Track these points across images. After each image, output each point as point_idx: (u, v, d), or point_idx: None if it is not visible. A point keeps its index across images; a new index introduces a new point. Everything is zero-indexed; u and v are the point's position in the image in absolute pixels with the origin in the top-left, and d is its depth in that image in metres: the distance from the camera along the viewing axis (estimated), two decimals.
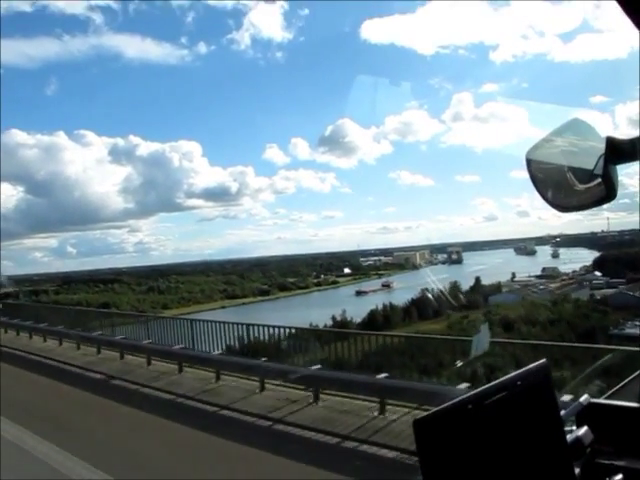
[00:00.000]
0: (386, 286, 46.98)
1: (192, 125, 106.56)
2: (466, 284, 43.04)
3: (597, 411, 2.24)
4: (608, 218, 48.95)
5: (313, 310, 39.82)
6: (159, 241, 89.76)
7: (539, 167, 2.07)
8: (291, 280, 50.80)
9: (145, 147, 76.96)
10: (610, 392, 2.52)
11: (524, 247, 52.15)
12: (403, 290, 43.64)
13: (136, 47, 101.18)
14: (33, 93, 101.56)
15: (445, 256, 56.00)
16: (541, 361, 1.88)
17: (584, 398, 2.24)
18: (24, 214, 73.66)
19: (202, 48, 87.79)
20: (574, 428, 2.02)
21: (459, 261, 53.60)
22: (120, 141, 79.91)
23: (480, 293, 39.50)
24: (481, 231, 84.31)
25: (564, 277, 42.42)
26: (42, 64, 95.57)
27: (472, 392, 1.64)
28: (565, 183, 1.99)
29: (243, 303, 46.88)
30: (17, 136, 75.05)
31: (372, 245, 71.82)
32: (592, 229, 53.01)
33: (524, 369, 1.83)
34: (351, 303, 43.12)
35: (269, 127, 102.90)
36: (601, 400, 2.37)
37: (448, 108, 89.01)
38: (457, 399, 1.60)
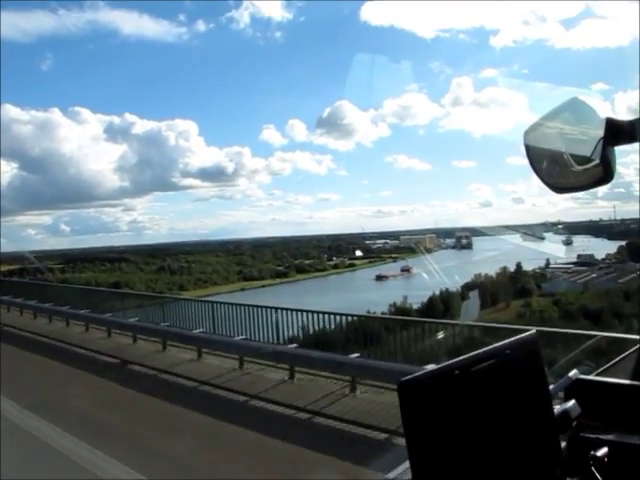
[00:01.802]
0: (406, 270, 46.67)
1: (189, 104, 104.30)
2: (484, 269, 43.04)
3: (585, 386, 2.26)
4: (614, 206, 49.81)
5: (340, 294, 39.31)
6: (154, 220, 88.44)
7: (536, 147, 2.10)
8: (307, 262, 50.34)
9: (141, 125, 75.64)
10: (600, 370, 2.51)
11: (532, 233, 52.62)
12: (424, 275, 42.74)
13: (133, 24, 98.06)
14: (28, 68, 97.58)
15: (452, 241, 56.40)
16: (531, 332, 1.89)
17: (573, 373, 2.26)
18: (18, 191, 71.61)
19: (200, 26, 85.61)
20: (563, 402, 2.03)
21: (469, 246, 53.64)
22: (116, 119, 77.90)
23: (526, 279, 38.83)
24: (476, 217, 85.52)
25: (601, 265, 42.08)
26: (37, 39, 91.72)
27: (460, 358, 1.63)
28: (562, 164, 2.02)
29: (263, 285, 46.35)
30: (11, 111, 72.46)
31: (367, 228, 72.45)
32: (587, 217, 54.01)
33: (513, 338, 1.83)
34: (374, 288, 43.02)
35: (266, 108, 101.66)
36: (590, 376, 2.39)
37: (448, 92, 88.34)
38: (444, 364, 1.61)
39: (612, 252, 43.97)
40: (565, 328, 14.13)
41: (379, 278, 47.46)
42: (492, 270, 42.06)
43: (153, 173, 79.12)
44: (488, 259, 45.99)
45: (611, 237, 47.63)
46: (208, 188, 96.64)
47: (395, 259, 50.81)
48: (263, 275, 49.16)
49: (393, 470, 1.72)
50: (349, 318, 16.24)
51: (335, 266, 50.94)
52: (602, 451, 1.90)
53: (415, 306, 33.32)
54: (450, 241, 57.21)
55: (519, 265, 41.96)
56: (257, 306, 17.06)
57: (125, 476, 8.74)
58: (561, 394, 2.16)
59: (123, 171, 78.60)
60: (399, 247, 54.84)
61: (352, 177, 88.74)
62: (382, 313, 26.21)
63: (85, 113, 74.89)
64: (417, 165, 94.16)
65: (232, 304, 17.98)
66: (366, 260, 52.05)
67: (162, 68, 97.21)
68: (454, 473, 1.52)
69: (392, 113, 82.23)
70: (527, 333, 1.87)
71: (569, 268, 42.06)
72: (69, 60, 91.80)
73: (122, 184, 78.93)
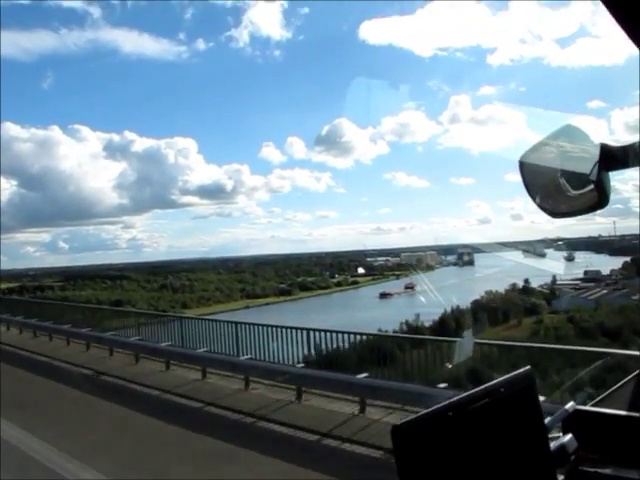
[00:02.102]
0: (410, 288, 46.70)
1: (188, 122, 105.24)
2: (488, 287, 42.61)
3: (583, 418, 2.20)
4: (614, 222, 50.05)
5: (345, 312, 38.81)
6: (153, 238, 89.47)
7: (532, 171, 2.09)
8: (310, 280, 50.07)
9: (140, 143, 76.56)
10: (597, 399, 2.44)
11: (532, 250, 52.25)
12: (428, 292, 42.69)
13: (133, 42, 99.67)
14: (29, 86, 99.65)
15: (453, 257, 56.46)
16: (525, 368, 1.87)
17: (570, 405, 2.21)
18: (17, 208, 72.01)
19: (200, 45, 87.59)
20: (560, 435, 2.01)
21: (471, 262, 53.36)
22: (115, 137, 79.05)
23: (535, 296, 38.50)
24: (475, 234, 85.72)
25: (608, 281, 41.52)
26: (38, 57, 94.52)
27: (454, 398, 1.61)
28: (557, 188, 2.02)
29: (267, 303, 45.90)
30: (11, 129, 73.67)
31: (367, 245, 72.51)
32: (587, 233, 54.15)
33: (508, 375, 1.80)
34: (379, 306, 42.64)
35: (266, 125, 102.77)
36: (587, 407, 2.32)
37: (445, 110, 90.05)
38: (438, 405, 1.57)
39: (617, 268, 43.57)
40: (583, 346, 14.24)
41: (383, 296, 46.99)
42: (498, 287, 41.60)
43: (152, 190, 79.52)
44: (491, 276, 45.10)
45: (612, 253, 47.72)
46: (207, 205, 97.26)
47: (398, 276, 50.76)
48: (266, 293, 48.93)
49: None
50: (362, 337, 15.83)
51: (338, 284, 50.81)
52: None
53: (427, 324, 32.94)
54: (451, 258, 57.21)
55: (527, 282, 41.16)
56: (264, 325, 16.63)
57: None
58: (559, 426, 2.12)
59: (122, 189, 79.23)
60: (401, 264, 54.78)
61: (351, 194, 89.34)
62: (394, 331, 25.95)
63: (85, 131, 75.72)
64: (416, 182, 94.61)
65: (238, 323, 17.57)
66: (369, 277, 51.92)
67: (162, 86, 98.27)
68: None
69: (391, 131, 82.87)
70: (522, 369, 1.85)
71: (577, 284, 41.42)
72: (69, 78, 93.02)
73: (121, 201, 79.33)
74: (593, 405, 2.36)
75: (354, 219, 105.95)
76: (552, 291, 39.38)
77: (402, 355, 14.36)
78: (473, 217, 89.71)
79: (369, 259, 57.73)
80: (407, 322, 33.34)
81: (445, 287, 43.41)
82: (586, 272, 43.22)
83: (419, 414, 1.52)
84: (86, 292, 49.61)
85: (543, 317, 32.65)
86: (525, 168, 2.08)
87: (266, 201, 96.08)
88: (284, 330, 15.91)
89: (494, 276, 44.68)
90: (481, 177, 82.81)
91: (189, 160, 76.50)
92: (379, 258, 57.58)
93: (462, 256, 55.21)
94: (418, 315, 34.67)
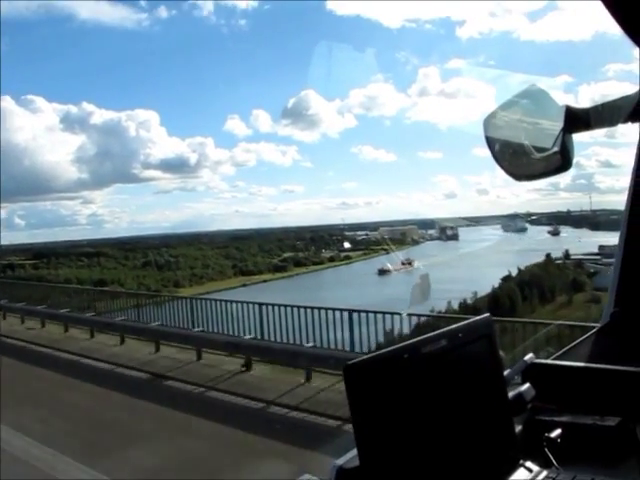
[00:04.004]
0: (407, 264, 46.40)
1: (150, 93, 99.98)
2: (492, 260, 43.18)
3: (541, 370, 2.22)
4: (590, 197, 50.79)
5: (355, 290, 37.58)
6: (114, 213, 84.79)
7: (497, 135, 2.09)
8: (302, 255, 49.68)
9: (99, 115, 71.76)
10: (556, 354, 2.48)
11: (513, 224, 53.12)
12: (426, 268, 41.77)
13: (90, 8, 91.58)
14: None
15: (434, 232, 56.92)
16: (484, 315, 1.86)
17: (529, 357, 2.23)
18: None
19: (162, 12, 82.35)
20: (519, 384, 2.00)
21: (455, 237, 54.15)
22: (73, 108, 73.89)
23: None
24: (440, 208, 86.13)
25: None
26: None
27: (409, 341, 1.60)
28: (522, 151, 2.02)
29: (264, 280, 44.84)
30: None
31: (333, 219, 72.30)
32: (550, 208, 54.71)
33: (467, 321, 1.79)
34: (380, 282, 41.77)
35: (231, 97, 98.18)
36: (546, 360, 2.34)
37: (414, 82, 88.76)
38: (393, 347, 1.56)
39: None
40: None
41: (382, 272, 44.99)
42: (508, 261, 40.84)
43: (113, 165, 75.58)
44: (482, 251, 46.44)
45: (594, 228, 47.66)
46: (170, 180, 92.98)
47: (387, 251, 50.80)
48: (261, 269, 48.03)
49: (343, 456, 1.63)
50: (419, 318, 14.52)
51: (331, 259, 50.35)
52: (555, 432, 1.91)
53: (470, 302, 32.44)
54: (433, 232, 57.67)
55: (567, 256, 41.06)
56: (292, 305, 16.19)
57: None
58: (518, 378, 2.15)
59: (81, 162, 74.17)
60: (390, 239, 54.77)
61: (317, 168, 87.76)
62: (438, 312, 23.44)
63: (40, 102, 71.00)
64: (383, 156, 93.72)
65: (262, 304, 16.88)
66: (359, 252, 51.65)
67: (121, 55, 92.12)
68: (403, 458, 1.49)
69: (358, 104, 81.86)
70: (481, 316, 1.85)
71: (598, 259, 39.80)
72: (21, 45, 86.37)
73: (80, 176, 74.75)
74: (552, 359, 2.40)
75: (320, 193, 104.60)
76: (580, 265, 39.13)
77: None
78: (439, 192, 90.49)
79: (348, 233, 57.68)
80: (464, 300, 33.03)
81: (443, 263, 43.31)
82: (602, 247, 41.52)
83: (373, 354, 1.52)
84: (63, 271, 47.14)
85: (600, 295, 28.97)
86: (490, 131, 2.09)
87: (231, 175, 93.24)
88: (318, 311, 15.47)
89: (487, 250, 45.44)
90: (449, 151, 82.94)
91: (151, 133, 73.40)
92: (358, 232, 57.45)
93: (445, 230, 55.68)
94: (476, 293, 34.78)
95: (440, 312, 22.85)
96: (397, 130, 78.85)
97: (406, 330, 13.84)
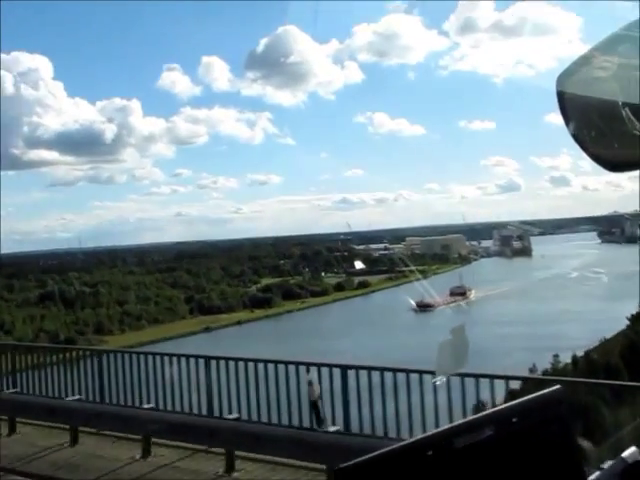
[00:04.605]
0: (459, 294, 31.93)
1: (39, 30, 79.16)
2: (575, 291, 31.04)
3: None
4: None
5: (369, 337, 27.13)
6: None
7: (577, 99, 1.54)
8: (293, 282, 35.92)
9: None
10: None
11: (617, 230, 37.15)
12: (488, 301, 31.77)
13: None
14: None
15: (489, 243, 40.85)
16: (553, 387, 1.45)
17: (630, 452, 1.61)
18: None
19: None
20: None
21: (526, 251, 39.68)
22: None
23: None
24: (494, 207, 64.60)
25: None
26: None
27: (436, 430, 1.27)
28: (618, 123, 1.46)
29: (238, 322, 31.14)
30: None
31: (327, 226, 53.27)
32: None
33: (523, 399, 1.38)
34: (416, 326, 30.01)
35: (168, 39, 78.44)
36: None
37: (453, 13, 71.76)
38: (411, 440, 1.22)
39: None
40: None
41: (422, 308, 31.96)
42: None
43: None
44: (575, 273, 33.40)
45: None
46: (72, 165, 70.59)
47: (424, 274, 35.31)
48: (231, 304, 33.28)
49: None
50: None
51: (339, 287, 36.24)
52: None
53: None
54: (488, 244, 41.77)
55: None
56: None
57: None
58: None
59: None
60: (423, 255, 38.75)
61: (302, 148, 67.11)
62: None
63: None
64: (404, 128, 73.79)
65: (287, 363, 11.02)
66: (382, 277, 36.92)
67: None
68: None
69: (366, 47, 66.72)
70: (548, 390, 1.42)
71: None
72: None
73: None
74: None
75: (307, 186, 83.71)
76: None
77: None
78: (493, 181, 68.28)
79: (358, 247, 41.06)
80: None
81: (514, 293, 31.13)
82: None
83: (380, 452, 1.16)
84: None
85: None
86: (566, 96, 1.57)
87: (169, 158, 71.28)
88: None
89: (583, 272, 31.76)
90: (507, 119, 64.10)
91: (40, 91, 55.84)
92: (371, 245, 41.10)
93: (509, 241, 39.69)
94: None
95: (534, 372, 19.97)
96: (426, 87, 62.69)
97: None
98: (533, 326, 26.17)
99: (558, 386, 1.44)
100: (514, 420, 1.30)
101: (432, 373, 9.48)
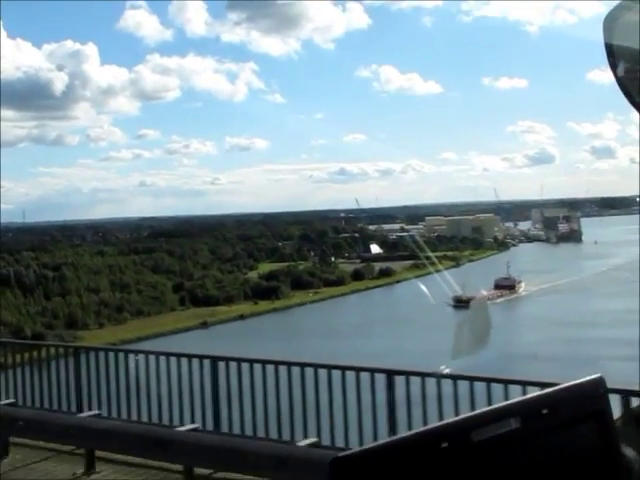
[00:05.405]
0: (507, 287, 27.90)
1: None
2: None
3: None
4: None
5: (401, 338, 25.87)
6: None
7: (626, 49, 1.38)
8: (302, 267, 30.76)
9: None
10: None
11: None
12: (543, 295, 27.30)
13: None
14: None
15: (528, 225, 36.08)
16: (593, 376, 1.36)
17: None
18: None
19: None
20: None
21: (575, 236, 34.33)
22: None
23: None
24: (522, 182, 57.80)
25: None
26: None
27: (450, 420, 1.21)
28: None
29: (241, 315, 26.56)
30: None
31: (326, 201, 47.78)
32: None
33: (555, 388, 1.31)
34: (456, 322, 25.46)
35: None
36: None
37: None
38: (421, 430, 1.17)
39: None
40: None
41: (461, 303, 26.32)
42: None
43: None
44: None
45: None
46: (12, 122, 62.62)
47: (457, 261, 30.65)
48: (229, 294, 28.16)
49: None
50: None
51: (357, 275, 30.76)
52: None
53: None
54: (527, 226, 36.81)
55: None
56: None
57: None
58: None
59: None
60: (450, 237, 33.82)
61: (293, 106, 60.05)
62: None
63: None
64: (417, 85, 67.46)
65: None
66: (407, 263, 30.58)
67: None
68: None
69: None
70: (585, 379, 1.33)
71: None
72: None
73: None
74: None
75: (298, 153, 77.12)
76: None
77: None
78: (522, 151, 61.72)
79: (371, 227, 36.15)
80: None
81: (573, 287, 26.50)
82: None
83: (384, 441, 1.13)
84: None
85: None
86: (615, 42, 1.41)
87: (132, 116, 63.91)
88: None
89: None
90: (541, 77, 57.88)
91: None
92: (384, 226, 36.13)
93: (554, 224, 34.86)
94: None
95: None
96: (444, 36, 56.37)
97: None
98: (599, 328, 22.94)
99: (599, 374, 1.30)
100: (544, 412, 1.20)
101: (504, 382, 9.41)
